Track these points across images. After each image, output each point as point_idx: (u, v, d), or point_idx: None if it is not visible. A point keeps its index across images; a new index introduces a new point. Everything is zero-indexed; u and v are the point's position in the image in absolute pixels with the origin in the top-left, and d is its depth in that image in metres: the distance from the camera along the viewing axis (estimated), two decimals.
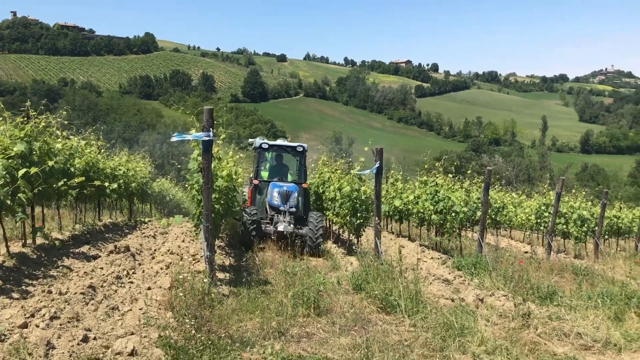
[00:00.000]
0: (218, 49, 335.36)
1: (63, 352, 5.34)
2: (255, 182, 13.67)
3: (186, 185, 11.30)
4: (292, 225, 12.57)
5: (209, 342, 5.73)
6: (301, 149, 13.99)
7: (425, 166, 15.62)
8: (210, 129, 7.48)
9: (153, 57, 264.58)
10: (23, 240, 9.21)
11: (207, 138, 7.33)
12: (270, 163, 14.93)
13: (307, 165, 14.68)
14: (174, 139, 7.46)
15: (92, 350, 5.47)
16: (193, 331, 5.78)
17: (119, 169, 14.70)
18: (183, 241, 12.14)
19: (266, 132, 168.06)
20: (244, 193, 14.37)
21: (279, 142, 14.50)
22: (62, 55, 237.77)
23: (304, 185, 14.01)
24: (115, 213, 17.88)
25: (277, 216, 12.88)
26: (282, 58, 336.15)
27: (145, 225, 15.48)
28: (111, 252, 9.47)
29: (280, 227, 12.43)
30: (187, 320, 5.92)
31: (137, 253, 10.09)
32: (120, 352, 5.44)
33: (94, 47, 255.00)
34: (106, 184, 12.75)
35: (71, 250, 9.84)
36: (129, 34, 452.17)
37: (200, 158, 8.30)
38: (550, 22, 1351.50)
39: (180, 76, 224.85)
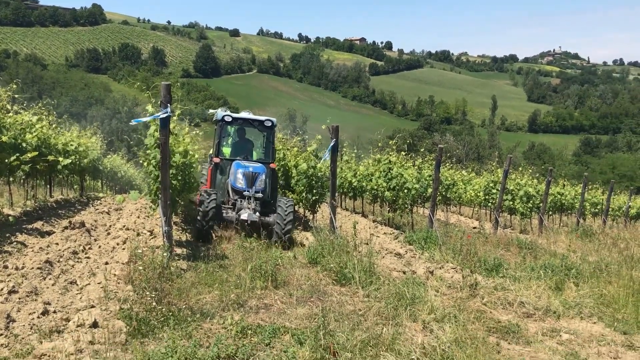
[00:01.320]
0: (169, 22, 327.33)
1: (24, 325, 5.40)
2: (216, 160, 11.89)
3: (141, 162, 11.26)
4: (257, 213, 10.99)
5: (170, 314, 5.87)
6: (270, 124, 12.15)
7: (379, 144, 15.93)
8: (168, 104, 7.51)
9: (101, 30, 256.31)
10: None
11: (164, 115, 7.36)
12: (232, 139, 13.19)
13: (275, 142, 13.03)
14: (132, 122, 7.47)
15: (53, 323, 5.54)
16: (154, 303, 5.89)
17: (71, 145, 14.44)
18: (138, 217, 12.13)
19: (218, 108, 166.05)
20: (203, 174, 12.62)
21: (244, 114, 12.45)
22: (3, 25, 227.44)
23: (272, 166, 12.27)
24: (66, 189, 17.56)
25: (241, 201, 11.21)
26: (235, 33, 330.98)
27: (99, 201, 15.31)
28: (66, 227, 9.42)
29: (244, 215, 10.80)
30: (147, 293, 6.03)
31: (92, 229, 10.06)
32: (81, 324, 5.52)
33: (38, 17, 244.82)
34: (60, 159, 12.51)
35: (24, 227, 9.72)
36: (75, 5, 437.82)
37: (157, 134, 8.32)
38: (501, 3, 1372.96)
39: (129, 50, 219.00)
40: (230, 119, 12.02)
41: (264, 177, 11.43)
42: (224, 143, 12.84)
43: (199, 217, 10.29)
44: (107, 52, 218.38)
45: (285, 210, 10.78)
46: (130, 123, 7.47)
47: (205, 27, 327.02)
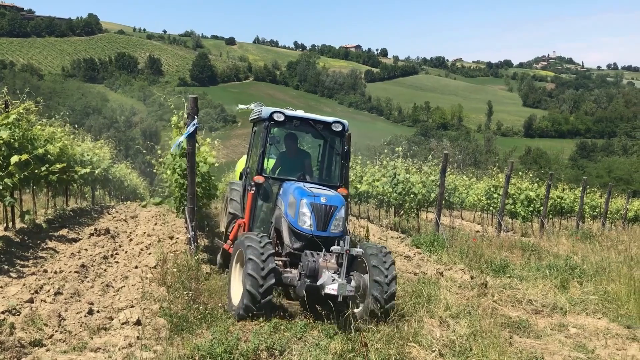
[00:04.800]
0: (165, 32, 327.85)
1: (74, 323, 5.83)
2: (259, 179, 7.77)
3: (155, 170, 11.69)
4: (350, 281, 6.43)
5: (206, 312, 6.30)
6: (340, 128, 8.16)
7: (385, 150, 16.42)
8: (195, 116, 7.96)
9: (97, 39, 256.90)
10: (5, 224, 9.48)
11: (193, 128, 7.81)
12: (280, 148, 8.78)
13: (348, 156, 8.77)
14: (172, 149, 8.16)
15: (99, 322, 5.98)
16: (191, 302, 6.33)
17: (87, 155, 14.90)
18: (156, 224, 12.56)
19: (216, 117, 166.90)
20: (233, 199, 8.75)
21: (300, 113, 8.35)
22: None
23: (343, 192, 8.01)
24: (79, 199, 17.99)
25: (313, 256, 6.70)
26: (231, 41, 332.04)
27: (114, 209, 15.76)
28: (92, 234, 9.85)
29: (332, 287, 6.08)
30: (184, 293, 6.47)
31: (115, 235, 10.48)
32: (125, 322, 5.96)
33: (34, 28, 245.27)
34: (78, 168, 12.95)
35: (51, 234, 10.16)
36: (71, 15, 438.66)
37: (182, 144, 8.78)
38: (495, 8, 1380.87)
39: (126, 59, 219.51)
40: (282, 118, 7.90)
41: (342, 212, 7.29)
42: (269, 154, 8.56)
43: (248, 286, 6.28)
44: (104, 61, 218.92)
45: (384, 261, 6.67)
46: (170, 151, 8.10)
47: (201, 36, 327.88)
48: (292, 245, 7.24)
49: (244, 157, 10.25)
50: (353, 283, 6.43)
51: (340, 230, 7.21)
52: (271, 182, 7.96)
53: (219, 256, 9.05)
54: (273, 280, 6.44)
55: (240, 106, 10.59)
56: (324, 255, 6.67)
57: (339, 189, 8.03)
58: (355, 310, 6.75)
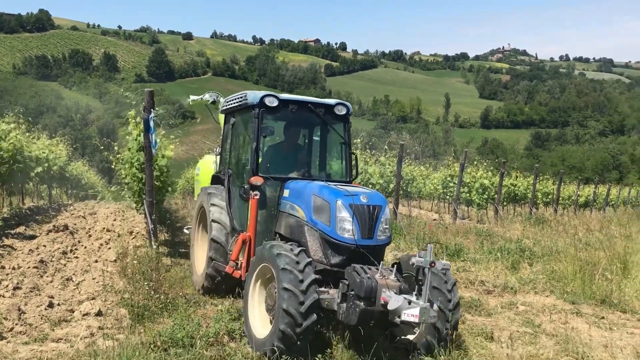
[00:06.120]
0: (120, 27, 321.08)
1: (34, 316, 5.87)
2: (257, 180, 6.28)
3: (113, 166, 11.64)
4: (433, 306, 5.02)
5: (167, 301, 6.42)
6: (344, 111, 6.93)
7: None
8: (152, 109, 8.02)
9: (49, 36, 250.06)
10: None
11: (152, 121, 7.87)
12: (273, 139, 7.34)
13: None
14: (154, 150, 8.11)
15: (60, 314, 6.04)
16: (152, 292, 6.43)
17: (43, 153, 14.68)
18: (115, 220, 12.53)
19: (174, 113, 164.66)
20: (217, 207, 7.14)
21: (293, 96, 7.02)
22: None
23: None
24: (36, 198, 17.72)
25: (362, 270, 5.30)
26: (188, 36, 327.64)
27: (73, 207, 15.59)
28: (50, 231, 9.80)
29: (410, 313, 4.79)
30: (145, 283, 6.56)
31: (74, 231, 10.44)
32: (87, 313, 6.04)
33: None
34: (34, 166, 12.77)
35: (7, 232, 10.05)
36: (20, 11, 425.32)
37: (140, 138, 8.83)
38: (452, 1, 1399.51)
39: (80, 56, 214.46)
40: (275, 103, 6.55)
41: (388, 214, 5.91)
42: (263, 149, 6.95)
43: (284, 305, 4.90)
44: (57, 58, 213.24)
45: (446, 282, 5.48)
46: (154, 149, 8.03)
47: (157, 31, 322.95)
48: (327, 260, 5.68)
49: (207, 157, 9.51)
50: (435, 307, 5.02)
51: (387, 237, 5.91)
52: (269, 184, 6.46)
53: (203, 280, 7.21)
54: (316, 296, 5.03)
55: (192, 97, 9.85)
56: (380, 270, 5.24)
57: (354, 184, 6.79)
58: (411, 338, 5.56)
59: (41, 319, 5.83)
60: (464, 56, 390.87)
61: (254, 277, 5.69)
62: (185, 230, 9.69)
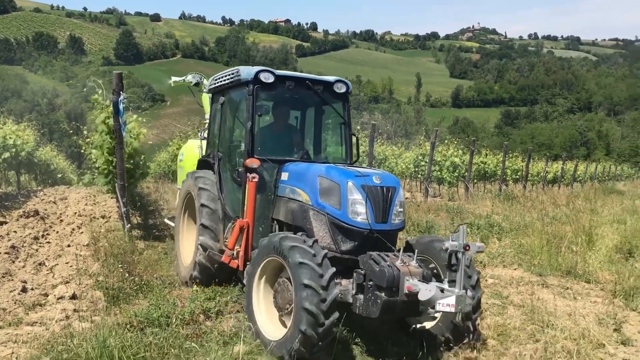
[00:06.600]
0: (85, 9, 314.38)
1: (7, 301, 5.86)
2: (253, 162, 5.79)
3: (83, 150, 11.53)
4: (468, 292, 4.65)
5: (142, 283, 6.45)
6: (344, 89, 6.62)
7: None
8: (121, 92, 7.96)
9: (11, 18, 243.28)
10: None
11: (121, 103, 7.82)
12: (266, 120, 6.80)
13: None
14: (124, 132, 8.02)
15: (34, 298, 6.03)
16: (126, 274, 6.45)
17: (10, 138, 14.40)
18: (86, 204, 12.42)
19: (143, 96, 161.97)
20: (201, 195, 6.63)
21: (289, 72, 6.62)
22: None
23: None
24: (4, 184, 17.42)
25: (380, 258, 4.87)
26: (156, 18, 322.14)
27: (43, 192, 15.37)
28: (20, 216, 9.69)
29: (447, 301, 4.39)
30: (119, 266, 6.58)
31: (45, 217, 10.34)
32: (61, 296, 6.04)
33: None
34: (6, 154, 12.52)
35: None
36: None
37: (109, 121, 8.77)
38: None
39: (44, 39, 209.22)
40: (271, 79, 6.12)
41: (402, 196, 5.60)
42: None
43: (306, 303, 4.48)
44: (20, 42, 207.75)
45: (470, 276, 5.10)
46: (123, 132, 7.95)
47: (124, 13, 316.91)
48: (337, 247, 5.28)
49: (191, 142, 9.17)
50: (470, 293, 4.71)
51: (402, 221, 5.52)
52: (265, 166, 6.03)
53: (191, 270, 6.71)
54: (337, 291, 4.64)
55: (174, 79, 9.57)
56: (401, 256, 4.86)
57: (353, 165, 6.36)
58: (428, 326, 5.27)
59: (15, 303, 5.81)
60: (434, 35, 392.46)
61: (258, 271, 5.23)
62: (166, 221, 9.45)
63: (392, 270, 4.63)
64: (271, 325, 5.07)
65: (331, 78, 6.64)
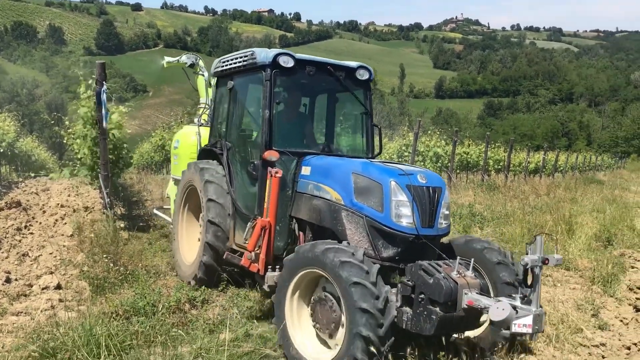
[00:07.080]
0: None
1: None
2: (272, 155, 5.32)
3: (67, 142, 11.43)
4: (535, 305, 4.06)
5: (127, 273, 6.47)
6: (367, 76, 6.21)
7: None
8: (104, 82, 7.92)
9: None
10: None
11: (104, 94, 7.78)
12: (280, 107, 6.00)
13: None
14: (104, 123, 7.93)
15: (19, 289, 6.03)
16: (111, 264, 6.46)
17: None
18: (69, 196, 12.32)
19: (126, 87, 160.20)
20: (208, 189, 6.18)
21: (308, 56, 6.03)
22: None
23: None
24: None
25: (432, 267, 4.32)
26: (137, 7, 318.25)
27: (24, 184, 15.20)
28: (2, 208, 9.59)
29: (524, 321, 3.94)
30: (104, 256, 6.58)
31: (27, 208, 10.26)
32: (46, 287, 6.04)
33: None
34: None
35: None
36: None
37: (92, 112, 8.72)
38: None
39: (23, 28, 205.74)
40: (291, 64, 5.64)
41: (448, 198, 5.11)
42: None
43: (363, 330, 4.01)
44: None
45: (517, 273, 4.69)
46: (104, 123, 7.86)
47: (105, 2, 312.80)
48: (377, 254, 4.72)
49: (187, 127, 8.70)
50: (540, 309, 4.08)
51: (448, 225, 5.03)
52: (283, 159, 5.46)
53: (196, 270, 6.35)
54: (395, 313, 4.19)
55: (168, 59, 9.01)
56: (457, 266, 4.36)
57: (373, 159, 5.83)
58: (474, 335, 4.85)
59: None
60: (418, 26, 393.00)
61: (291, 286, 4.60)
62: (156, 212, 9.28)
63: (449, 283, 4.16)
64: (310, 345, 4.56)
65: (353, 64, 6.15)
